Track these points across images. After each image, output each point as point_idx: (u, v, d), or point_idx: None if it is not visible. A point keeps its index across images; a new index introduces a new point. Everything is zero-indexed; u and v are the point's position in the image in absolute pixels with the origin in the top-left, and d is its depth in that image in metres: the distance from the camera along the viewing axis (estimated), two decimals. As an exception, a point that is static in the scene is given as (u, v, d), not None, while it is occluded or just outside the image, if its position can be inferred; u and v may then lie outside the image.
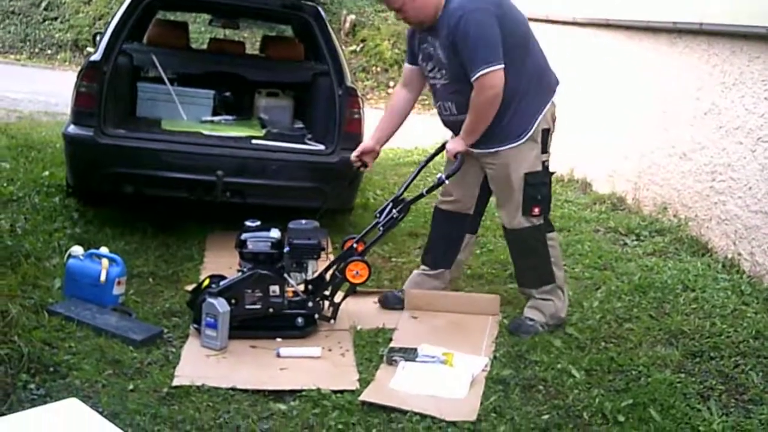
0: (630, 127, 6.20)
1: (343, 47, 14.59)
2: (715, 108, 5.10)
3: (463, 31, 3.53)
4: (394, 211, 3.83)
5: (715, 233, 5.00)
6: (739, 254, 4.70)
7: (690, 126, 5.38)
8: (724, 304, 4.16)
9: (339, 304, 3.79)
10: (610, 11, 6.60)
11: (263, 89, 5.91)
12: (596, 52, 6.90)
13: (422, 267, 4.18)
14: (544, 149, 3.77)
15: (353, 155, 4.10)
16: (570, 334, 3.78)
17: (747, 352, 3.64)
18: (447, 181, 3.76)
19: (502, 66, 3.53)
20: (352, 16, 15.53)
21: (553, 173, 3.88)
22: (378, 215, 3.91)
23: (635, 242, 5.24)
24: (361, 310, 3.95)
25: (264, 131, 5.40)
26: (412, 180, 4.04)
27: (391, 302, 4.08)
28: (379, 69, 14.68)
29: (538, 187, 3.75)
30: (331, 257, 4.09)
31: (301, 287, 3.74)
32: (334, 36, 5.39)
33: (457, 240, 4.08)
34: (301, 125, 5.70)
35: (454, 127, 3.87)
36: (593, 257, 4.87)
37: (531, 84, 3.70)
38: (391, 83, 14.16)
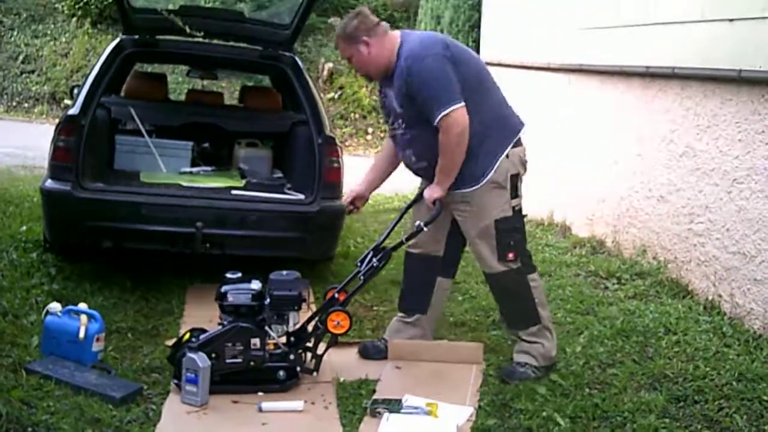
0: (607, 170, 6.25)
1: (321, 95, 14.68)
2: (690, 150, 5.17)
3: (417, 79, 3.59)
4: (374, 259, 3.82)
5: (695, 275, 5.02)
6: (720, 296, 4.72)
7: (666, 168, 5.44)
8: (707, 346, 4.16)
9: (321, 355, 3.75)
10: (583, 57, 6.69)
11: (242, 139, 5.93)
12: (572, 96, 6.99)
13: (399, 314, 4.17)
14: (515, 194, 3.78)
15: (345, 200, 4.19)
16: (554, 381, 3.76)
17: (731, 394, 3.63)
18: (426, 228, 3.76)
19: (463, 104, 3.57)
20: (330, 64, 15.63)
21: (524, 216, 3.90)
22: (359, 264, 3.90)
23: (616, 286, 5.25)
24: (343, 361, 3.91)
25: (243, 182, 5.40)
26: (392, 228, 4.04)
27: (371, 352, 4.05)
28: (357, 116, 14.74)
29: (510, 232, 3.77)
30: (313, 308, 4.07)
31: (283, 339, 3.71)
32: (311, 85, 5.44)
33: (428, 284, 4.06)
34: (280, 175, 5.71)
35: (420, 174, 3.92)
36: (575, 302, 4.87)
37: (490, 126, 3.72)
38: (370, 129, 14.24)
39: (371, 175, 4.14)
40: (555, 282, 5.28)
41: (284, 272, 3.77)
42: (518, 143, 3.82)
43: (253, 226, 4.74)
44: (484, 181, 3.72)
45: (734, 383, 3.74)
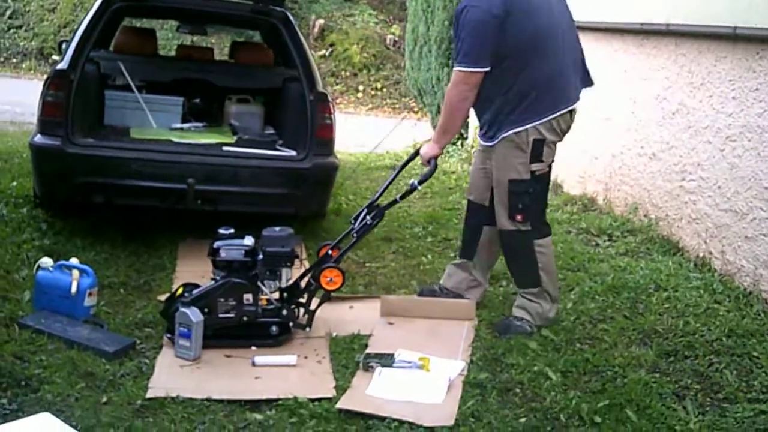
0: (600, 128, 6.23)
1: (313, 52, 14.56)
2: (683, 108, 5.15)
3: (461, 22, 3.60)
4: (368, 217, 3.82)
5: (685, 232, 5.04)
6: (710, 253, 4.75)
7: (659, 126, 5.42)
8: (697, 302, 4.19)
9: (314, 311, 3.76)
10: (578, 14, 6.62)
11: (233, 95, 5.87)
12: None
13: (457, 259, 4.28)
14: (536, 159, 3.73)
15: None
16: (545, 336, 3.79)
17: (721, 350, 3.66)
18: (419, 187, 3.75)
19: (482, 70, 3.57)
20: (321, 21, 15.51)
21: (548, 182, 3.90)
22: (352, 221, 3.90)
23: (607, 243, 5.27)
24: (336, 317, 3.93)
25: (235, 138, 5.36)
26: (387, 186, 4.01)
27: (426, 293, 4.22)
28: (348, 73, 14.66)
29: (521, 195, 3.75)
30: (306, 264, 4.07)
31: (276, 295, 3.72)
32: (303, 41, 5.37)
33: (475, 230, 4.10)
34: (272, 131, 5.67)
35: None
36: (566, 258, 4.89)
37: (523, 96, 3.66)
38: (360, 87, 14.17)
39: None
40: (547, 239, 5.30)
41: (277, 228, 3.76)
42: (561, 110, 3.74)
43: (244, 183, 4.72)
44: (499, 139, 3.73)
45: (724, 339, 3.77)
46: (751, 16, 4.40)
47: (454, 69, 3.64)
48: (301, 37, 5.38)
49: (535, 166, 3.74)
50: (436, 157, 3.75)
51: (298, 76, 5.13)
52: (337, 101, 13.59)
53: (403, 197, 3.83)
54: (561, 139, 3.83)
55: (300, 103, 5.06)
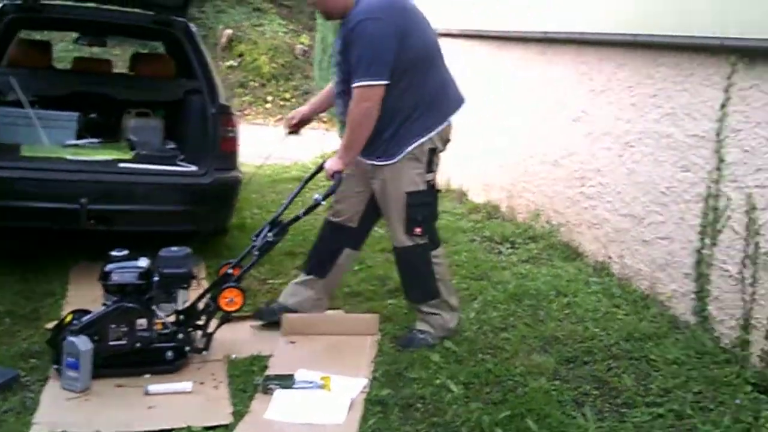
0: (504, 135, 6.29)
1: (220, 62, 14.38)
2: (584, 115, 5.23)
3: (358, 37, 3.49)
4: (269, 234, 3.73)
5: (585, 238, 5.12)
6: (609, 258, 4.83)
7: (561, 133, 5.50)
8: (596, 308, 4.25)
9: (212, 333, 3.65)
10: (482, 23, 6.69)
11: (132, 109, 5.69)
12: (470, 63, 6.98)
13: (299, 275, 4.14)
14: (429, 169, 3.73)
15: (288, 122, 4.08)
16: (448, 348, 3.77)
17: (619, 354, 3.71)
18: (323, 202, 3.68)
19: (384, 83, 3.50)
20: (229, 31, 15.27)
21: (438, 191, 3.87)
22: (254, 238, 3.80)
23: (510, 250, 5.30)
24: (236, 338, 3.82)
25: (132, 153, 5.19)
26: (290, 201, 3.92)
27: (264, 314, 4.03)
28: (256, 84, 14.45)
29: (419, 207, 3.72)
30: (206, 284, 3.94)
31: (172, 318, 3.59)
32: (206, 52, 5.26)
33: (335, 251, 4.02)
34: (173, 146, 5.52)
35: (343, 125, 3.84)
36: (470, 267, 4.90)
37: (419, 107, 3.65)
38: (269, 98, 13.99)
39: (318, 100, 4.12)
40: (451, 248, 5.29)
41: (174, 248, 3.63)
42: (449, 126, 3.78)
43: (142, 201, 4.57)
44: (401, 156, 3.68)
45: (622, 343, 3.83)
46: (651, 24, 4.49)
47: (355, 85, 3.51)
48: (203, 48, 5.26)
49: (429, 176, 3.74)
50: (340, 172, 3.69)
51: (199, 88, 5.01)
52: (246, 112, 13.40)
53: (306, 213, 3.74)
54: (445, 149, 3.82)
55: (202, 116, 4.95)
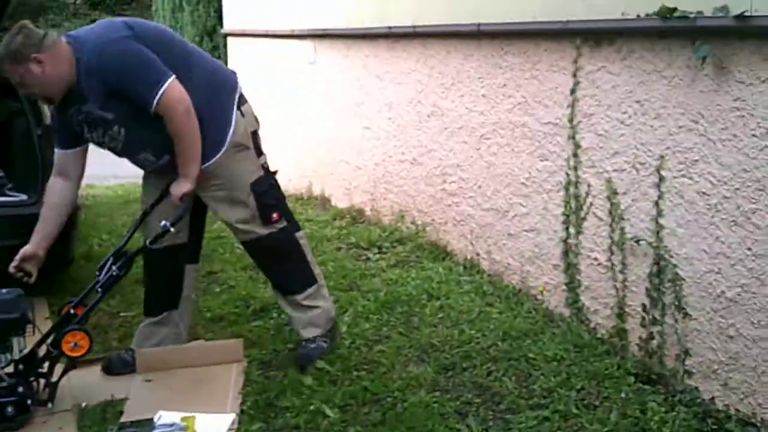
0: (361, 137, 6.11)
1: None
2: (437, 110, 5.11)
3: (113, 69, 3.15)
4: (114, 267, 3.37)
5: (452, 236, 5.00)
6: (478, 254, 4.72)
7: (417, 130, 5.36)
8: (470, 308, 4.12)
9: (56, 383, 3.26)
10: (328, 22, 6.48)
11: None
12: (320, 64, 6.77)
13: (146, 319, 3.74)
14: (259, 151, 3.55)
15: (12, 266, 3.44)
16: (321, 368, 3.53)
17: (497, 356, 3.58)
18: (173, 229, 3.34)
19: (174, 76, 3.20)
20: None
21: (275, 172, 3.65)
22: (98, 273, 3.42)
23: (378, 255, 5.11)
24: (85, 384, 3.44)
25: (-49, 186, 4.67)
26: (134, 230, 3.55)
27: (117, 367, 3.61)
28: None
29: (267, 192, 3.52)
30: (50, 323, 3.55)
31: (10, 369, 3.19)
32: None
33: (176, 276, 3.68)
34: (1, 174, 5.01)
35: (168, 170, 3.44)
36: (338, 278, 4.67)
37: (209, 91, 3.39)
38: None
39: (42, 229, 3.49)
40: (317, 258, 4.96)
41: (3, 290, 3.23)
42: (243, 99, 3.53)
43: None
44: (226, 145, 3.40)
45: (499, 343, 3.70)
46: (495, 13, 4.40)
47: (156, 100, 3.14)
48: None
49: (261, 160, 3.55)
50: (189, 193, 3.37)
51: (22, 109, 4.55)
52: None
53: (154, 242, 3.39)
54: (259, 127, 3.63)
55: (27, 140, 4.49)
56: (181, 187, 3.36)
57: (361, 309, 4.16)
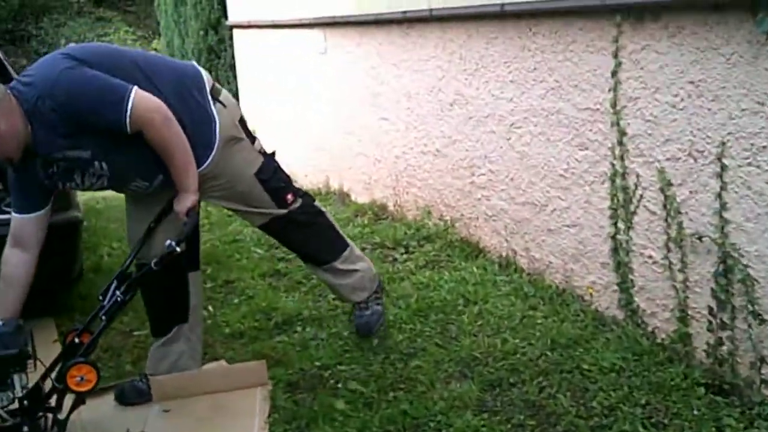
0: (378, 129, 5.78)
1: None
2: (460, 98, 4.77)
3: (69, 107, 2.78)
4: (117, 292, 3.05)
5: (484, 231, 4.67)
6: (514, 251, 4.39)
7: (438, 120, 5.03)
8: (511, 313, 3.79)
9: (66, 420, 2.96)
10: (337, 9, 6.14)
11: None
12: (330, 54, 6.43)
13: (156, 340, 3.41)
14: (251, 137, 3.29)
15: None
16: (353, 390, 3.22)
17: (548, 369, 3.25)
18: (179, 248, 3.01)
19: (136, 86, 2.84)
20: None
21: (273, 153, 3.40)
22: (101, 298, 3.10)
23: (405, 256, 4.78)
24: (98, 417, 3.15)
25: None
26: (138, 249, 3.21)
27: (130, 397, 3.31)
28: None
29: (274, 176, 3.31)
30: (58, 346, 3.25)
31: (14, 406, 2.89)
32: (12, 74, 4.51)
33: (180, 288, 3.36)
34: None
35: (167, 187, 3.11)
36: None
37: (179, 96, 3.04)
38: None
39: (3, 311, 3.01)
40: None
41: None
42: (217, 89, 3.21)
43: None
44: (217, 142, 3.09)
45: (549, 353, 3.37)
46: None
47: (127, 119, 2.78)
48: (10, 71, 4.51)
49: (257, 145, 3.30)
50: (194, 207, 3.05)
51: None
52: None
53: (160, 263, 3.05)
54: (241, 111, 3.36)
55: None
56: (185, 202, 3.02)
57: (392, 318, 3.84)
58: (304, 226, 3.41)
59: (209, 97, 3.12)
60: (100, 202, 7.19)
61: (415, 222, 5.24)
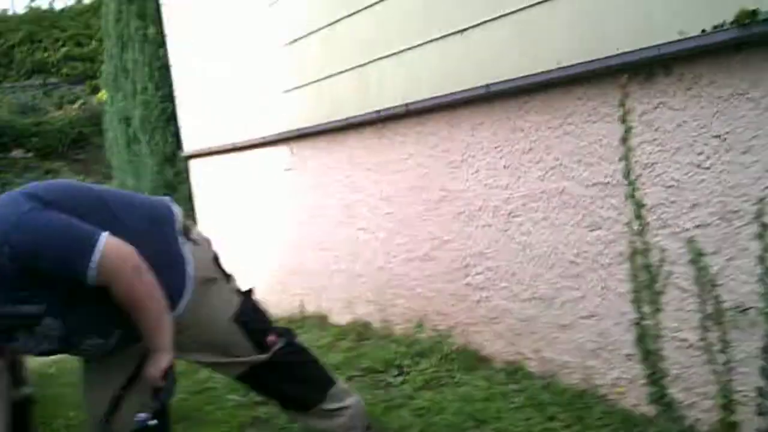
0: (356, 240, 5.32)
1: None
2: (447, 194, 4.36)
3: (27, 255, 2.26)
4: None
5: (485, 337, 4.14)
6: (521, 354, 3.86)
7: (423, 221, 4.60)
8: (528, 428, 3.22)
9: None
10: (302, 120, 5.79)
11: None
12: (300, 167, 6.04)
13: None
14: (227, 277, 2.75)
15: None
16: None
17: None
18: (152, 423, 2.42)
19: (106, 232, 2.34)
20: None
21: (250, 290, 2.83)
22: None
23: (399, 378, 4.16)
24: None
25: None
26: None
27: None
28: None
29: (254, 317, 2.76)
30: None
31: None
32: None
33: None
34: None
35: (114, 353, 2.59)
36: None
37: (151, 235, 2.57)
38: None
39: None
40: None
41: None
42: (188, 225, 2.71)
43: None
44: (190, 286, 2.56)
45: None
46: (504, 69, 3.72)
47: (94, 268, 2.26)
48: None
49: (232, 285, 2.77)
50: (170, 368, 2.50)
51: None
52: None
53: None
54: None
55: None
56: (159, 362, 2.44)
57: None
58: (287, 368, 2.85)
59: (180, 235, 2.64)
60: (51, 366, 6.50)
61: (406, 337, 4.68)
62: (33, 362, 4.20)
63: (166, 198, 2.76)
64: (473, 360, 4.07)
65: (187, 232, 2.66)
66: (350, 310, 5.47)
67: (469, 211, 4.17)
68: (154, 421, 2.38)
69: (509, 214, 3.87)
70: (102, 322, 2.45)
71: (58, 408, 4.92)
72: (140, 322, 2.41)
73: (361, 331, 5.15)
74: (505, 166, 3.88)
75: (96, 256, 2.27)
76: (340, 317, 5.58)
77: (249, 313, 2.73)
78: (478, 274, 4.13)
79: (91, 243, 2.28)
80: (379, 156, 5.01)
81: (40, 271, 2.27)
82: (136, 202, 2.70)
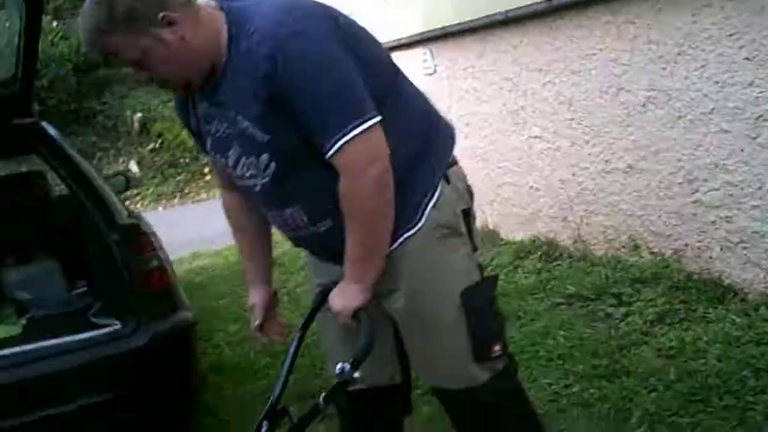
0: (529, 150, 4.68)
1: (140, 149, 12.91)
2: (657, 94, 3.69)
3: (287, 75, 1.76)
4: None
5: (728, 264, 3.42)
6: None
7: (626, 127, 3.95)
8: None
9: None
10: (445, 17, 5.09)
11: (9, 255, 3.83)
12: (440, 72, 5.37)
13: None
14: (473, 244, 2.05)
15: (255, 326, 2.19)
16: None
17: None
18: (357, 374, 1.87)
19: (378, 118, 1.79)
20: (139, 115, 13.75)
21: (495, 277, 2.18)
22: None
23: (621, 309, 3.54)
24: None
25: (22, 324, 3.36)
26: (287, 376, 2.02)
27: None
28: (188, 159, 12.99)
29: (485, 310, 2.00)
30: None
31: None
32: (77, 158, 3.58)
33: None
34: (84, 288, 3.71)
35: (316, 244, 2.07)
36: (585, 356, 3.14)
37: (418, 144, 1.99)
38: (206, 169, 12.46)
39: (252, 264, 2.24)
40: (531, 328, 3.55)
41: None
42: (454, 160, 2.06)
43: (43, 403, 2.79)
44: (423, 222, 1.94)
45: None
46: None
47: (339, 147, 1.77)
48: (72, 153, 3.60)
49: (477, 256, 2.06)
50: (364, 307, 1.92)
51: (85, 206, 3.26)
52: (186, 191, 12.26)
53: (329, 400, 1.88)
54: (473, 201, 2.14)
55: (103, 248, 3.19)
56: (349, 298, 1.93)
57: (653, 410, 2.65)
58: (494, 419, 2.08)
59: (444, 166, 2.03)
60: (200, 273, 6.21)
61: (612, 260, 4.02)
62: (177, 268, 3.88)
63: (449, 121, 2.13)
64: (716, 291, 3.39)
65: (452, 164, 2.04)
66: (526, 226, 4.87)
67: (692, 114, 3.46)
68: (357, 374, 1.84)
69: (758, 117, 3.13)
70: (315, 198, 1.93)
71: (217, 321, 4.65)
72: (351, 237, 1.88)
73: (547, 250, 4.53)
74: (747, 59, 3.14)
75: (348, 136, 1.77)
76: (515, 233, 4.99)
77: (483, 301, 2.01)
78: (712, 189, 3.43)
79: (357, 119, 1.77)
80: (552, 54, 4.31)
81: (287, 100, 1.78)
82: (423, 105, 2.07)
